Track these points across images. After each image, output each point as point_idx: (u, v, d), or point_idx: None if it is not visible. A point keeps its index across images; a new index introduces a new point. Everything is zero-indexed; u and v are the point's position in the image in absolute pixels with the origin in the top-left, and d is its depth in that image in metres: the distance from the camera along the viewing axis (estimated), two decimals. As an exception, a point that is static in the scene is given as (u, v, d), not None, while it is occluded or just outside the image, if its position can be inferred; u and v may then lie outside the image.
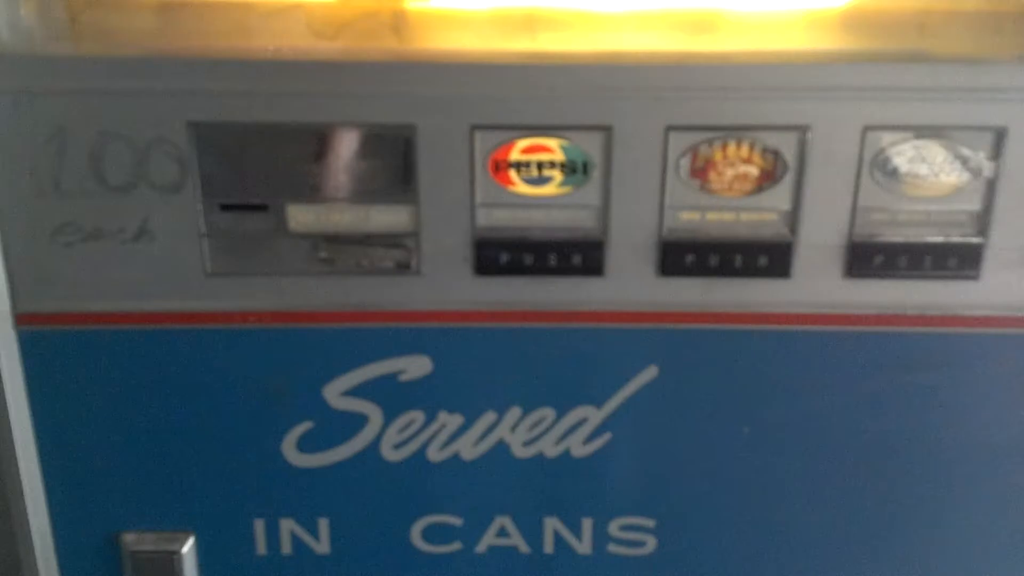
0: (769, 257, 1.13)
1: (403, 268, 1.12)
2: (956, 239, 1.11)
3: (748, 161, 1.10)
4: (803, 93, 1.06)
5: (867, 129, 1.07)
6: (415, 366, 1.18)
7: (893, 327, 1.16)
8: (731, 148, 1.09)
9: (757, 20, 1.08)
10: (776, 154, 1.09)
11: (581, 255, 1.13)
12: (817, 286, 1.14)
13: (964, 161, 1.08)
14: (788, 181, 1.10)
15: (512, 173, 1.10)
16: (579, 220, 1.12)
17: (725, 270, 1.13)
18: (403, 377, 1.18)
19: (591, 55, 1.06)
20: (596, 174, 1.10)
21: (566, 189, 1.11)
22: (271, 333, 1.15)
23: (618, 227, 1.12)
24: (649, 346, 1.18)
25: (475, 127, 1.07)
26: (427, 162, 1.08)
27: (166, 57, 1.05)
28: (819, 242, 1.12)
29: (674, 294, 1.16)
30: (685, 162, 1.09)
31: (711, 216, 1.12)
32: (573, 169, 1.10)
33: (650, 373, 1.19)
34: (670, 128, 1.07)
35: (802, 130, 1.07)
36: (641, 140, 1.08)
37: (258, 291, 1.13)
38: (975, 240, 1.11)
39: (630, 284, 1.15)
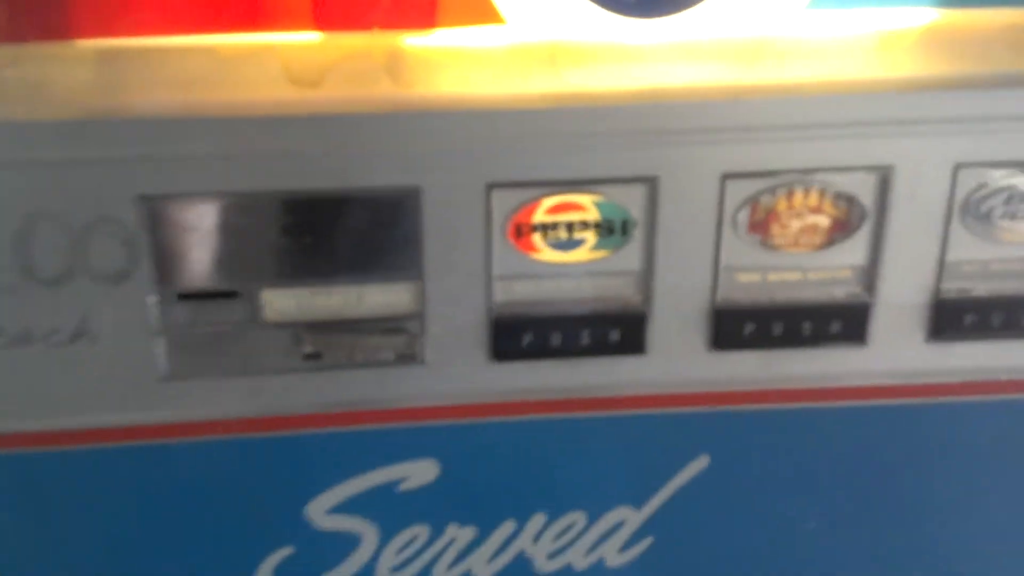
0: (843, 321, 0.94)
1: (406, 358, 0.91)
2: None
3: (818, 210, 0.91)
4: (882, 128, 0.88)
5: (959, 167, 0.89)
6: (419, 472, 0.97)
7: (987, 395, 0.98)
8: (797, 196, 0.91)
9: (819, 46, 0.89)
10: (851, 200, 0.91)
11: (620, 330, 0.94)
12: (898, 352, 0.97)
13: None
14: (865, 232, 0.92)
15: (536, 238, 0.90)
16: (617, 289, 0.93)
17: (790, 339, 0.95)
18: (404, 486, 0.97)
19: (628, 93, 0.87)
20: (637, 234, 0.91)
21: (602, 253, 0.91)
22: (243, 445, 0.94)
23: (664, 295, 0.93)
24: (699, 432, 0.99)
25: (492, 185, 0.87)
26: (434, 229, 0.88)
27: (109, 117, 0.83)
28: (901, 301, 0.94)
29: (730, 370, 0.97)
30: (743, 215, 0.91)
31: (773, 277, 0.94)
32: (610, 229, 0.90)
33: (700, 464, 1.00)
34: (726, 176, 0.89)
35: (882, 171, 0.89)
36: (692, 191, 0.89)
37: (227, 395, 0.92)
38: None
39: (678, 361, 0.96)
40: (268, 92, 0.86)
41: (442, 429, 0.96)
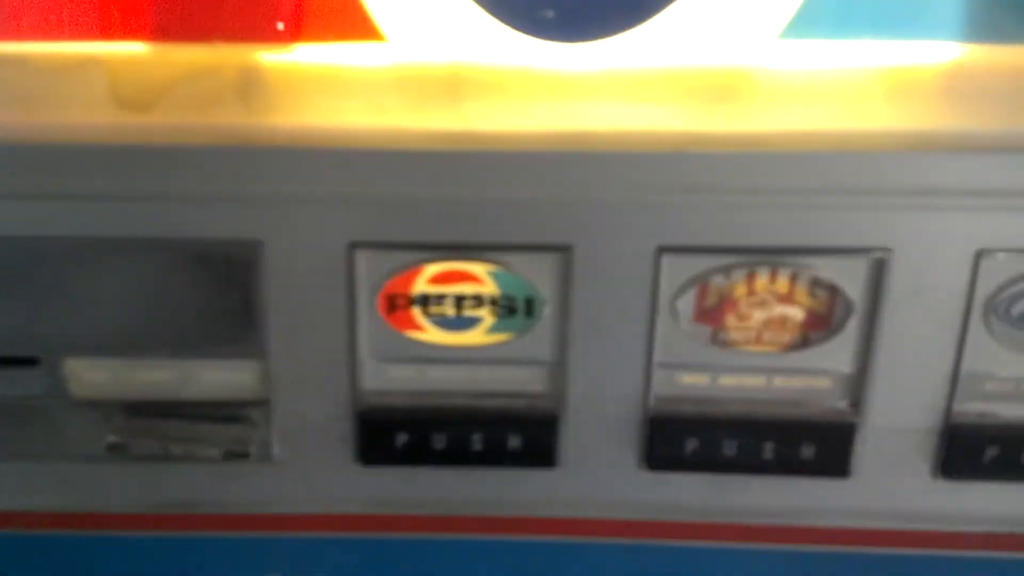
0: (818, 445, 0.72)
1: (239, 455, 0.71)
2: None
3: (788, 300, 0.68)
4: (878, 198, 0.65)
5: (982, 254, 0.65)
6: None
7: (1009, 552, 0.74)
8: (761, 280, 0.68)
9: (796, 85, 0.66)
10: (833, 290, 0.68)
11: (523, 436, 0.72)
12: (893, 489, 0.74)
13: None
14: (851, 331, 0.69)
15: (416, 313, 0.69)
16: (521, 383, 0.72)
17: (747, 462, 0.72)
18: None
19: (543, 135, 0.65)
20: (548, 315, 0.68)
21: (501, 336, 0.70)
22: (48, 541, 0.74)
23: (582, 394, 0.71)
24: (628, 569, 0.76)
25: (355, 244, 0.66)
26: (281, 295, 0.68)
27: None
28: (897, 424, 0.71)
29: (668, 496, 0.74)
30: (687, 300, 0.68)
31: (727, 380, 0.72)
32: (511, 308, 0.69)
33: None
34: (663, 249, 0.66)
35: (877, 255, 0.65)
36: (618, 266, 0.67)
37: (22, 486, 0.72)
38: None
39: (600, 480, 0.74)
40: (86, 115, 0.67)
41: (288, 544, 0.75)
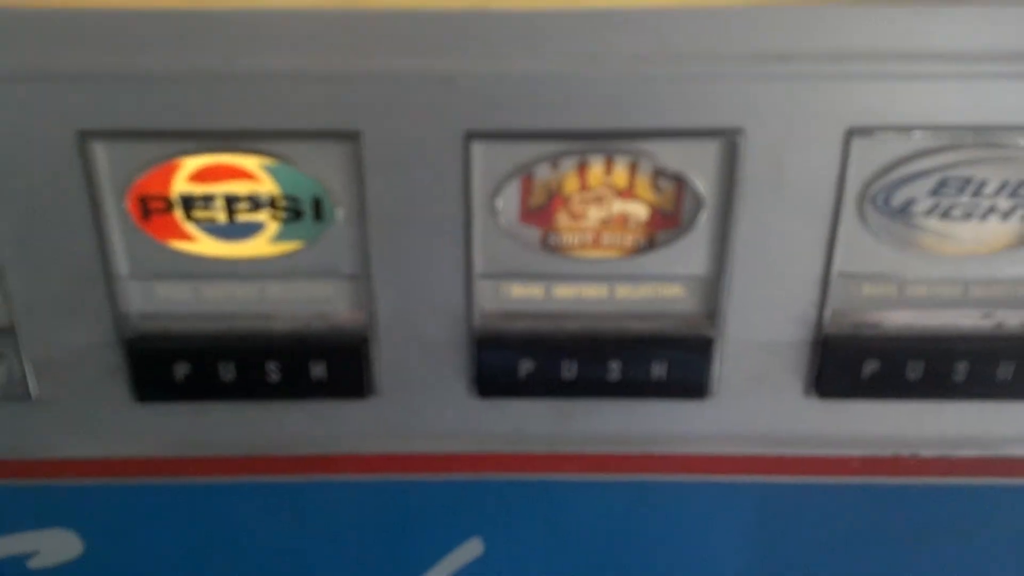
0: (671, 362, 0.60)
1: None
2: (1015, 329, 0.60)
3: (628, 194, 0.57)
4: (729, 66, 0.52)
5: (854, 132, 0.53)
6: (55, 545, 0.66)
7: (894, 477, 0.64)
8: (595, 171, 0.56)
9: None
10: (680, 181, 0.56)
11: (327, 362, 0.60)
12: (759, 410, 0.63)
13: (1016, 189, 0.55)
14: (703, 229, 0.57)
15: (180, 218, 0.56)
16: (319, 300, 0.60)
17: (591, 385, 0.61)
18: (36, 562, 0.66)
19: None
20: (341, 219, 0.56)
21: (288, 246, 0.58)
22: None
23: (392, 312, 0.59)
24: (463, 509, 0.66)
25: (88, 134, 0.53)
26: (3, 197, 0.55)
27: None
28: (761, 337, 0.60)
29: (503, 424, 0.64)
30: (509, 197, 0.56)
31: (563, 291, 0.60)
32: (296, 211, 0.56)
33: (471, 551, 0.67)
34: (473, 135, 0.54)
35: (728, 136, 0.54)
36: (420, 157, 0.55)
37: None
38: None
39: (424, 409, 0.63)
40: None
41: (71, 491, 0.64)
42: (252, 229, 0.58)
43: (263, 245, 0.59)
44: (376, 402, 0.63)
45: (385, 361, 0.62)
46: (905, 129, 0.55)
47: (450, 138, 0.55)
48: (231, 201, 0.57)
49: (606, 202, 0.58)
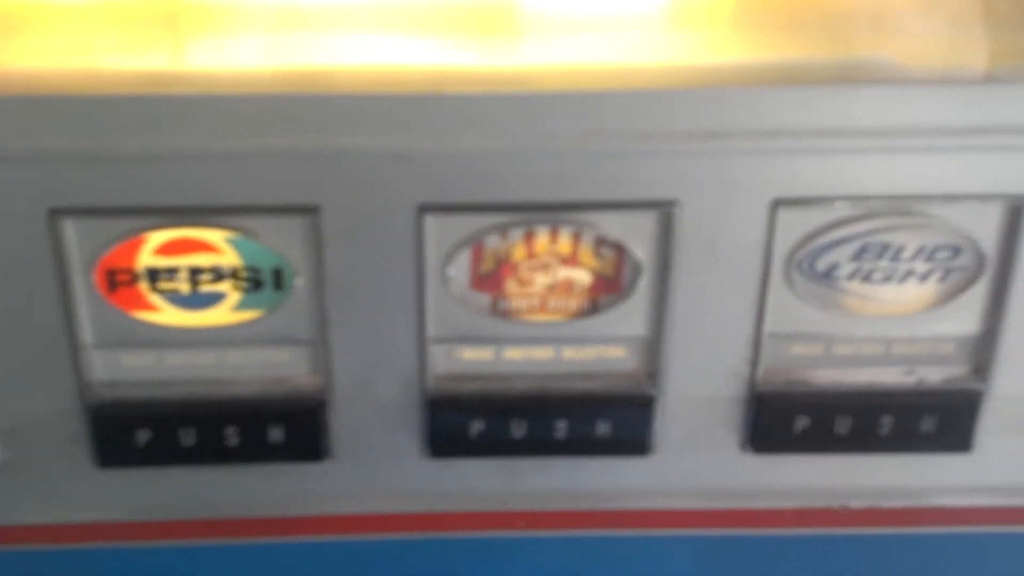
0: (614, 421, 0.64)
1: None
2: (936, 385, 0.64)
3: (572, 262, 0.60)
4: (664, 143, 0.56)
5: (780, 203, 0.58)
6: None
7: (826, 528, 0.68)
8: (541, 241, 0.60)
9: (578, 15, 0.58)
10: (620, 249, 0.59)
11: (285, 426, 0.63)
12: (698, 465, 0.66)
13: (954, 252, 0.60)
14: (643, 294, 0.61)
15: (145, 290, 0.59)
16: (278, 366, 0.62)
17: (539, 443, 0.64)
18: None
19: (277, 75, 0.55)
20: (300, 288, 0.59)
21: (249, 314, 0.60)
22: None
23: (348, 376, 0.62)
24: (419, 567, 0.68)
25: (59, 212, 0.56)
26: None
27: None
28: (699, 394, 0.64)
29: (456, 484, 0.66)
30: (460, 265, 0.60)
31: (512, 354, 0.63)
32: (256, 281, 0.59)
33: None
34: (426, 208, 0.57)
35: (664, 208, 0.58)
36: (375, 228, 0.58)
37: None
38: (970, 386, 0.63)
39: (379, 470, 0.66)
40: None
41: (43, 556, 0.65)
42: (214, 299, 0.61)
43: (224, 314, 0.61)
44: (332, 464, 0.65)
45: (341, 424, 0.65)
46: (827, 200, 0.59)
47: (404, 211, 0.58)
48: (195, 273, 0.60)
49: (551, 269, 0.62)
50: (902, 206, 0.60)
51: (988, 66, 0.57)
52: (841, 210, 0.60)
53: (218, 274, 0.60)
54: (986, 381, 0.64)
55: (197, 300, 0.61)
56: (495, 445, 0.65)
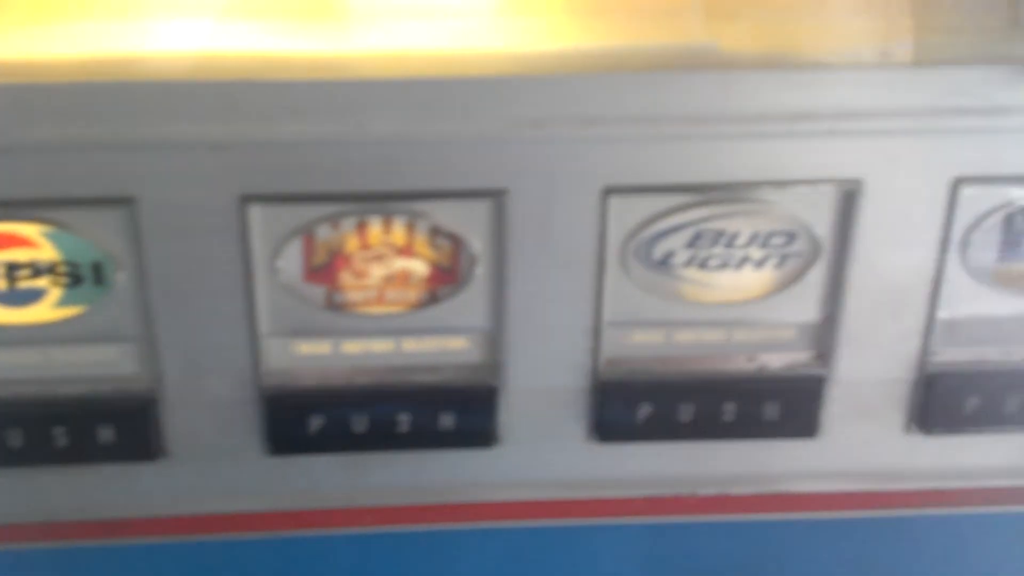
0: (458, 413, 0.63)
1: None
2: (778, 371, 0.64)
3: (408, 252, 0.59)
4: (494, 130, 0.55)
5: (611, 191, 0.57)
6: None
7: (677, 516, 0.68)
8: (374, 231, 0.58)
9: (422, 7, 0.57)
10: (456, 240, 0.58)
11: (115, 425, 0.61)
12: (545, 457, 0.65)
13: (789, 238, 0.60)
14: (480, 284, 0.60)
15: (-42, 286, 0.56)
16: (105, 364, 0.60)
17: (382, 437, 0.63)
18: None
19: (92, 61, 0.53)
20: (123, 282, 0.57)
21: (71, 310, 0.58)
22: None
23: (180, 372, 0.60)
24: (260, 566, 0.66)
25: None
26: None
27: None
28: (543, 386, 0.62)
29: (298, 481, 0.65)
30: (292, 256, 0.58)
31: (351, 347, 0.62)
32: (76, 276, 0.57)
33: None
34: (248, 198, 0.56)
35: (495, 197, 0.57)
36: (196, 219, 0.56)
37: None
38: (813, 372, 0.64)
39: (217, 469, 0.64)
40: None
41: None
42: (34, 295, 0.59)
43: (46, 311, 0.59)
44: (167, 464, 0.64)
45: (174, 423, 0.63)
46: (658, 187, 0.59)
47: (226, 202, 0.57)
48: (12, 268, 0.58)
49: (387, 260, 0.60)
50: (734, 193, 0.59)
51: (813, 51, 0.57)
52: (672, 197, 0.59)
53: (36, 270, 0.58)
54: (828, 367, 0.64)
55: (16, 297, 0.59)
56: (337, 440, 0.64)
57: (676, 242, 0.61)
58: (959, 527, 0.69)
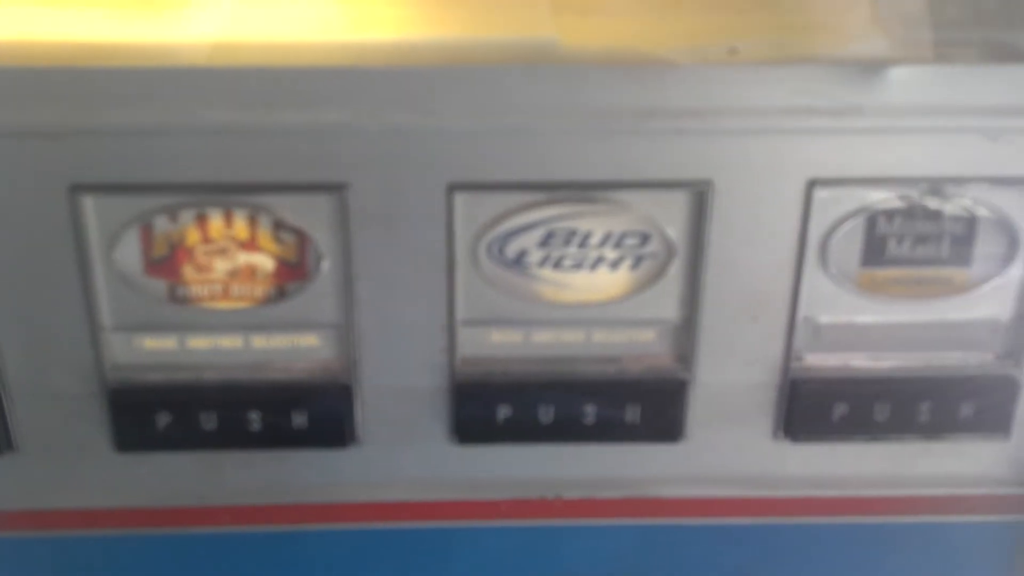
0: (311, 411, 0.61)
1: None
2: (639, 374, 0.63)
3: (252, 247, 0.58)
4: (332, 120, 0.54)
5: (455, 188, 0.56)
6: None
7: (541, 519, 0.66)
8: (215, 224, 0.57)
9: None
10: (300, 234, 0.57)
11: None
12: (405, 457, 0.64)
13: (643, 239, 0.58)
14: (329, 279, 0.58)
15: None
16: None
17: (233, 436, 0.62)
18: None
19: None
20: None
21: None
22: None
23: (21, 370, 0.59)
24: (110, 566, 0.65)
25: None
26: None
27: None
28: (399, 384, 0.61)
29: (149, 480, 0.63)
30: (129, 249, 0.57)
31: (197, 342, 0.60)
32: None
33: None
34: (79, 188, 0.54)
35: (336, 190, 0.56)
36: (27, 211, 0.55)
37: None
38: (674, 375, 0.62)
39: (68, 465, 0.63)
40: None
41: None
42: None
43: None
44: (15, 458, 0.62)
45: (21, 419, 0.61)
46: (505, 184, 0.57)
47: (56, 191, 0.55)
48: None
49: (230, 254, 0.59)
50: (585, 192, 0.58)
51: (661, 48, 0.56)
52: (523, 195, 0.58)
53: None
54: (689, 370, 0.63)
55: None
56: (185, 438, 0.62)
57: (528, 241, 0.60)
58: (826, 537, 0.67)
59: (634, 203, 0.59)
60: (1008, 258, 0.62)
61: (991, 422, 0.65)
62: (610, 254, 0.60)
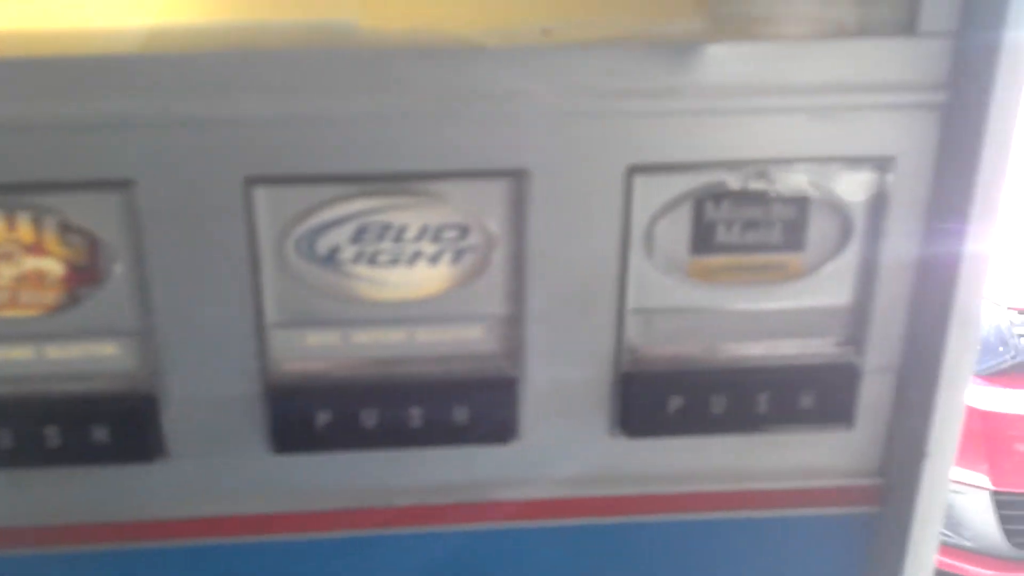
0: (111, 424, 0.57)
1: None
2: (467, 373, 0.60)
3: (38, 250, 0.53)
4: (119, 114, 0.50)
5: (252, 182, 0.52)
6: None
7: (372, 529, 0.63)
8: (-6, 225, 0.53)
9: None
10: (89, 236, 0.53)
11: None
12: (218, 470, 0.61)
13: (462, 231, 0.55)
14: (123, 283, 0.55)
15: None
16: None
17: (29, 455, 0.57)
18: None
19: None
20: None
21: None
22: None
23: None
24: None
25: None
26: None
27: None
28: (210, 392, 0.58)
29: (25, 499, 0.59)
30: None
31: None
32: None
33: None
34: None
35: (123, 188, 0.51)
36: None
37: None
38: (502, 373, 0.59)
39: None
40: None
41: None
42: None
43: None
44: None
45: None
46: (306, 177, 0.54)
47: None
48: None
49: (16, 259, 0.54)
50: (399, 184, 0.55)
51: (476, 31, 0.53)
52: (327, 189, 0.54)
53: None
54: (519, 367, 0.60)
55: None
56: (22, 457, 0.58)
57: (339, 236, 0.56)
58: (668, 535, 0.65)
59: (450, 194, 0.56)
60: (842, 241, 0.60)
61: (833, 412, 0.63)
62: (428, 248, 0.57)
